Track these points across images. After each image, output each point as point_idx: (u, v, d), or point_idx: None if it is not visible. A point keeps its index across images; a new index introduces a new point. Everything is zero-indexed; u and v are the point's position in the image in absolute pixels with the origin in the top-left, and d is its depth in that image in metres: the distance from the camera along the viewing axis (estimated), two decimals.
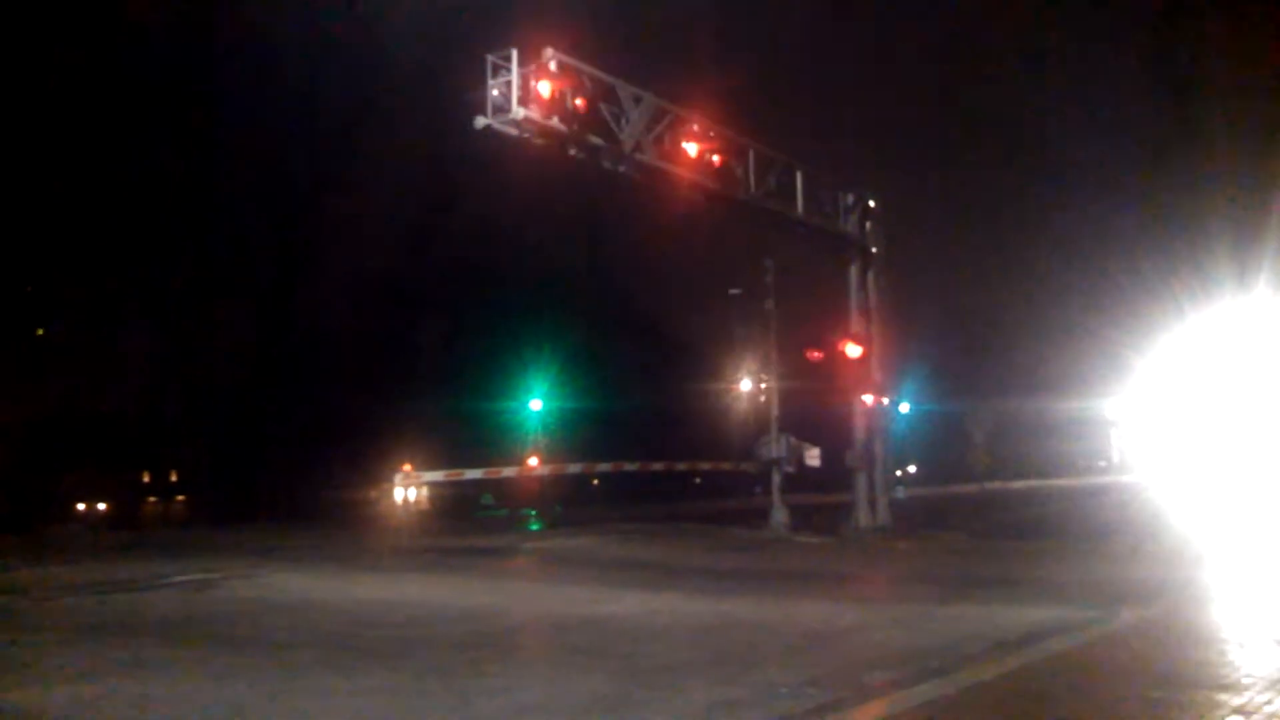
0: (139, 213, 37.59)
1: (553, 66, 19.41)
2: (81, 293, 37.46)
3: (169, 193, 38.10)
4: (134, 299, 38.54)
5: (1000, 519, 34.27)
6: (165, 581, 16.81)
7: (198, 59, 38.14)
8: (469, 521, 37.10)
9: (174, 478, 47.84)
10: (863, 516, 27.64)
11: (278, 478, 41.12)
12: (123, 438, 39.24)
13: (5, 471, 34.19)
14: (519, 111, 19.01)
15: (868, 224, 28.37)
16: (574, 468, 40.23)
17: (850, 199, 27.98)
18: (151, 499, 46.06)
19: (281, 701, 8.35)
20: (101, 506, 41.77)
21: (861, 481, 27.87)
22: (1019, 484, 62.78)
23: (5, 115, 33.16)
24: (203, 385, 39.66)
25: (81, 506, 41.11)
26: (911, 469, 60.83)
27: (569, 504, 42.72)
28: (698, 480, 55.49)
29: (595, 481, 50.53)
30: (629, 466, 37.69)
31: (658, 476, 48.73)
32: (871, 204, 28.37)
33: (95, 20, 36.15)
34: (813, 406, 31.10)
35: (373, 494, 42.94)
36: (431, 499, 43.81)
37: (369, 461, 42.24)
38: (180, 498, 46.72)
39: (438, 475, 33.66)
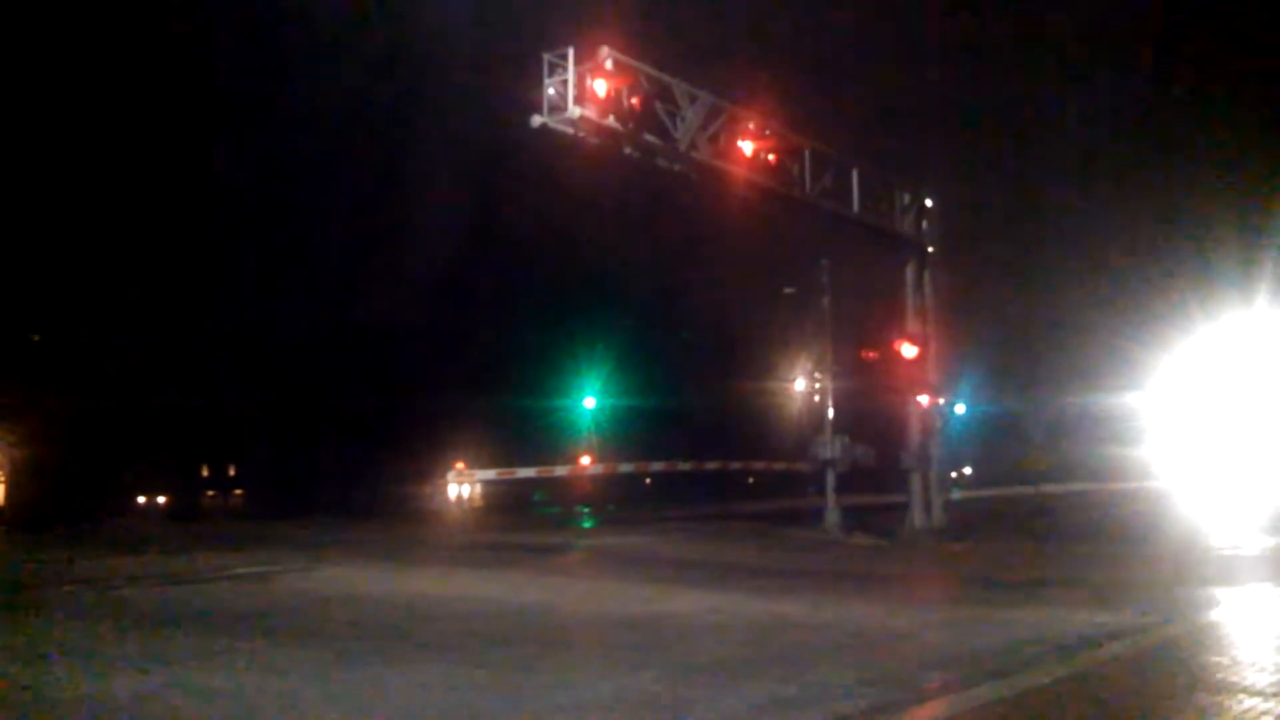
0: (201, 210, 38.15)
1: (608, 65, 19.43)
2: (141, 288, 37.99)
3: (232, 190, 38.61)
4: (194, 295, 39.05)
5: (1057, 522, 33.82)
6: (224, 574, 17.06)
7: (258, 60, 38.66)
8: (522, 518, 37.26)
9: (232, 471, 48.44)
10: (918, 518, 27.39)
11: (335, 472, 41.53)
12: (182, 432, 39.81)
13: (67, 464, 34.81)
14: (575, 110, 19.03)
15: (924, 223, 28.09)
16: (626, 466, 40.15)
17: (906, 198, 27.73)
18: (210, 492, 46.73)
19: (337, 694, 8.44)
20: (161, 499, 42.47)
21: (916, 483, 27.63)
22: (1076, 486, 61.74)
23: (84, 122, 33.89)
24: (261, 380, 40.13)
25: (141, 499, 41.83)
26: (967, 470, 60.08)
27: (622, 502, 42.75)
28: (751, 480, 55.30)
29: (648, 480, 50.51)
30: (682, 465, 37.56)
31: (711, 475, 48.65)
32: (928, 203, 28.08)
33: (148, 23, 36.72)
34: (868, 406, 30.87)
35: (427, 490, 43.29)
36: (485, 495, 44.07)
37: (424, 458, 42.61)
38: (238, 491, 47.33)
39: (490, 474, 33.74)
